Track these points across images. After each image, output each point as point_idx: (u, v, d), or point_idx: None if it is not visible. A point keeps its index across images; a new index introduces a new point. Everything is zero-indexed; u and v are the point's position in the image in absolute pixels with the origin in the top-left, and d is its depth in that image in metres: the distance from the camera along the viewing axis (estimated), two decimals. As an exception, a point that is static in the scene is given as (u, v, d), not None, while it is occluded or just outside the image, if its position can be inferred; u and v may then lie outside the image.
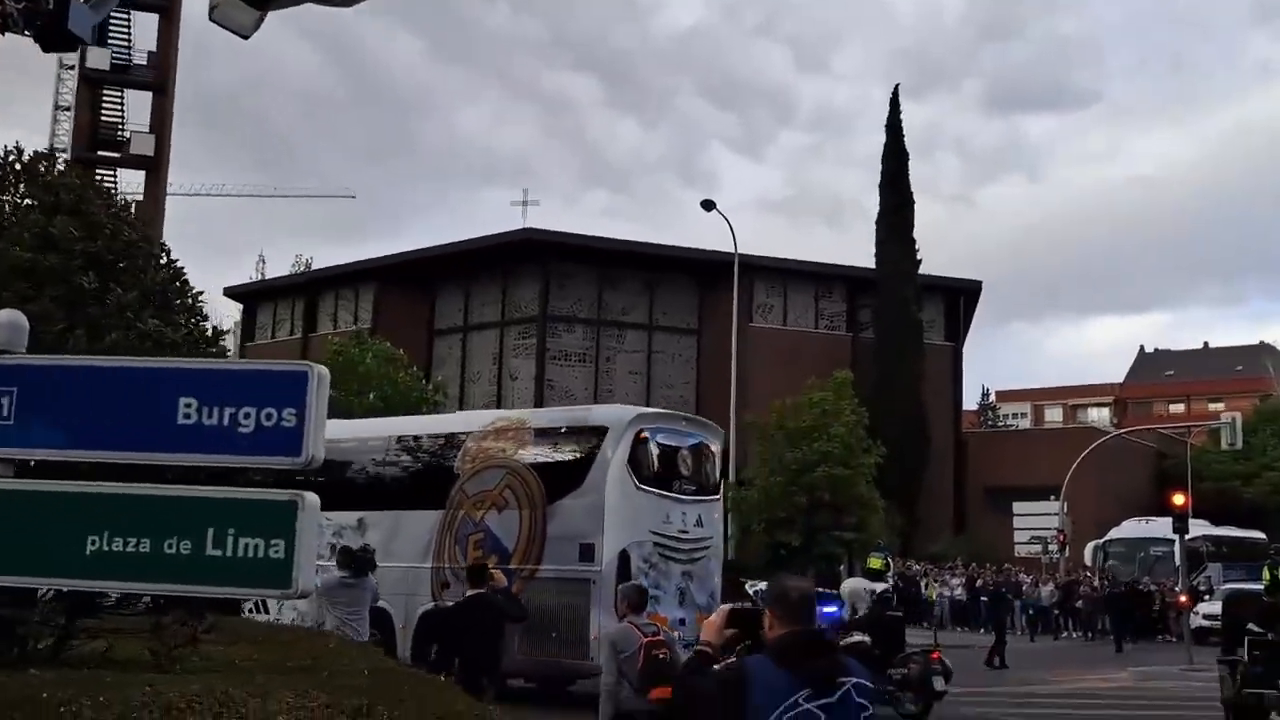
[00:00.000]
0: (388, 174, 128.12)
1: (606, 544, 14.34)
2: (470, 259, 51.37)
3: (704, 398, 51.42)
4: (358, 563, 12.53)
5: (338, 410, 37.32)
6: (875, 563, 19.65)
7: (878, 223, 52.11)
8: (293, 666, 7.05)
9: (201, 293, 7.82)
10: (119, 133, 47.86)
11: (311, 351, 50.96)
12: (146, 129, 47.29)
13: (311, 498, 5.08)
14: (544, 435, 15.85)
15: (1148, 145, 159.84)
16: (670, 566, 14.88)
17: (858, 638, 14.92)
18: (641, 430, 15.25)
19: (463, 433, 16.57)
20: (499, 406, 52.58)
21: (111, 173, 47.84)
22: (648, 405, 52.14)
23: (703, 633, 4.25)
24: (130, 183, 48.98)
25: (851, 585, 25.95)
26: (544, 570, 14.71)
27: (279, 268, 76.17)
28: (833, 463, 32.27)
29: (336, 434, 17.03)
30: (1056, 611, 37.31)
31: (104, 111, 47.60)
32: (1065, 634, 36.50)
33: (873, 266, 51.57)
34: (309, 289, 57.85)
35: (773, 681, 3.70)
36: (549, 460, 15.44)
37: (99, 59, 45.85)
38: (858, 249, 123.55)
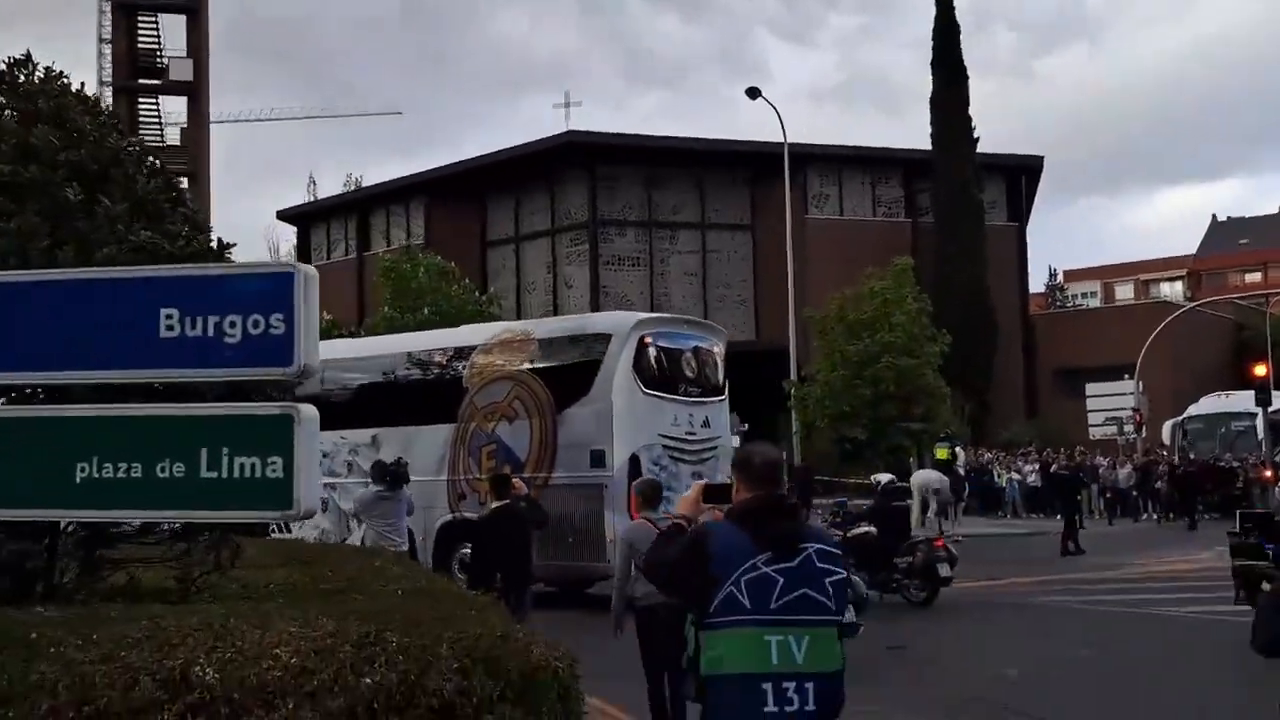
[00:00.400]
0: (434, 88, 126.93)
1: (616, 449, 14.64)
2: (516, 167, 50.62)
3: (761, 295, 50.66)
4: (393, 476, 12.62)
5: (396, 328, 37.21)
6: (942, 453, 19.32)
7: (932, 102, 50.37)
8: (327, 589, 6.71)
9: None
10: (158, 59, 47.55)
11: (366, 270, 50.86)
12: (184, 54, 46.92)
13: (308, 410, 4.62)
14: (549, 345, 15.99)
15: (1213, 4, 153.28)
16: (680, 468, 15.02)
17: (864, 529, 15.27)
18: (644, 335, 15.43)
19: (469, 346, 16.66)
20: (555, 314, 52.43)
21: (154, 101, 47.74)
22: (705, 306, 51.69)
23: (678, 507, 4.29)
24: (174, 112, 48.83)
25: (922, 477, 25.64)
26: (557, 478, 15.00)
27: (331, 189, 76.02)
28: (896, 353, 31.47)
29: (346, 353, 17.88)
30: (1135, 493, 36.52)
31: (140, 38, 47.22)
32: (1145, 516, 35.75)
33: (929, 149, 50.00)
34: (360, 207, 57.55)
35: (733, 543, 3.69)
36: (556, 369, 15.60)
37: (131, -15, 45.46)
38: (914, 133, 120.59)
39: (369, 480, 13.61)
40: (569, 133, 50.79)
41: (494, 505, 10.92)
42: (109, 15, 50.08)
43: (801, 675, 3.63)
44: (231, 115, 73.04)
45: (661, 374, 15.51)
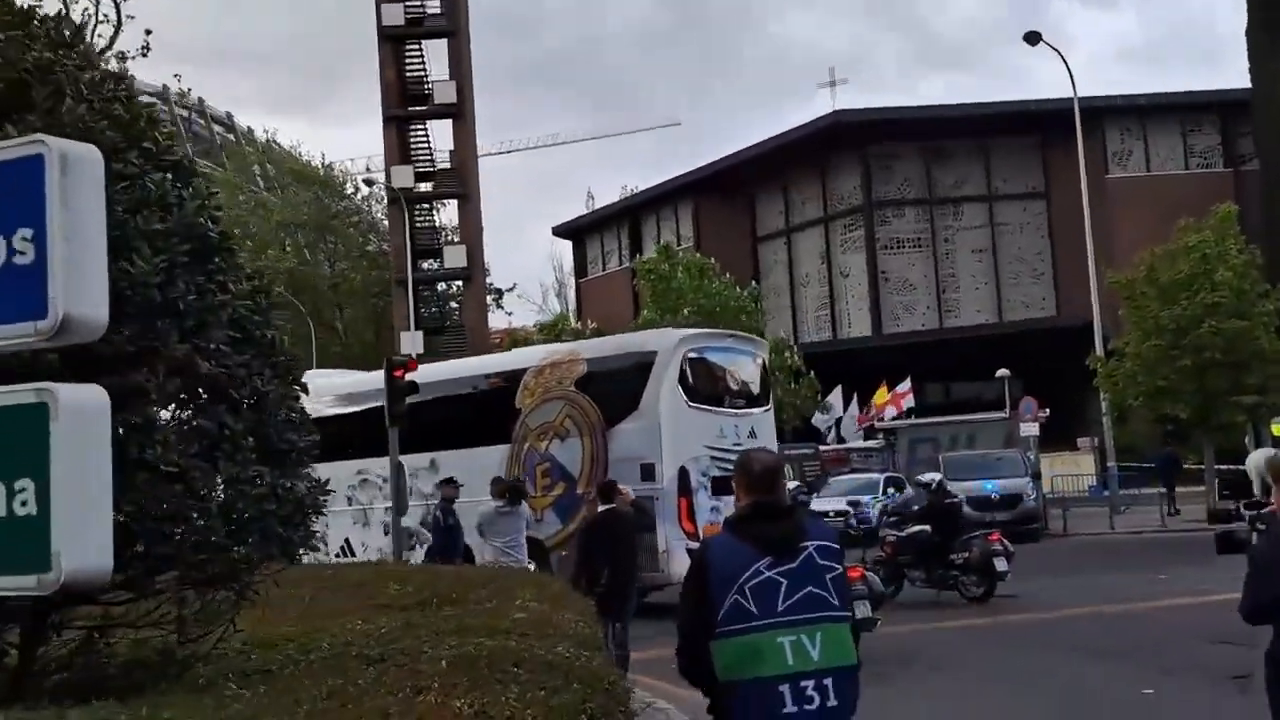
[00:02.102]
0: (712, 96, 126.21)
1: (665, 462, 15.07)
2: (783, 156, 48.29)
3: (1060, 266, 46.04)
4: (512, 492, 12.83)
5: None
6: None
7: (1248, 35, 44.10)
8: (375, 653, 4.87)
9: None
10: (425, 86, 48.48)
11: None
12: (448, 78, 47.65)
13: (84, 395, 2.72)
14: (597, 364, 16.60)
15: None
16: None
17: (916, 528, 15.51)
18: (688, 351, 16.08)
19: (521, 368, 17.30)
20: (831, 307, 49.72)
21: (423, 127, 48.75)
22: (997, 283, 47.61)
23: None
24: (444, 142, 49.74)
25: (1259, 458, 21.48)
26: None
27: (609, 203, 76.55)
28: (1222, 315, 26.97)
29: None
30: None
31: (408, 67, 48.31)
32: None
33: (1248, 87, 43.75)
34: (630, 215, 56.91)
35: (733, 553, 3.72)
36: (604, 388, 16.19)
37: (393, 15, 46.49)
38: (1229, 78, 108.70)
39: (430, 505, 14.69)
40: (836, 113, 47.98)
41: (601, 509, 10.96)
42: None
43: (820, 672, 3.65)
44: (518, 144, 74.95)
45: (706, 388, 16.14)
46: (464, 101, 47.73)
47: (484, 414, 17.20)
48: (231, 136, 73.59)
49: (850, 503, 25.77)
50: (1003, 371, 36.94)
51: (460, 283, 49.79)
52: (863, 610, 13.02)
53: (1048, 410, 32.01)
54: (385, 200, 49.16)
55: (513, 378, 17.24)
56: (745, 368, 16.99)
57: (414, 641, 4.84)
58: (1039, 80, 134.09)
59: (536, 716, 3.90)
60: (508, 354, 19.68)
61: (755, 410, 16.78)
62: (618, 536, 10.58)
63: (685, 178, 52.45)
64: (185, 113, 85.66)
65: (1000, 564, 14.94)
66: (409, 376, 15.57)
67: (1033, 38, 33.76)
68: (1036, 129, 45.65)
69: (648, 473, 15.06)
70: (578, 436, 15.98)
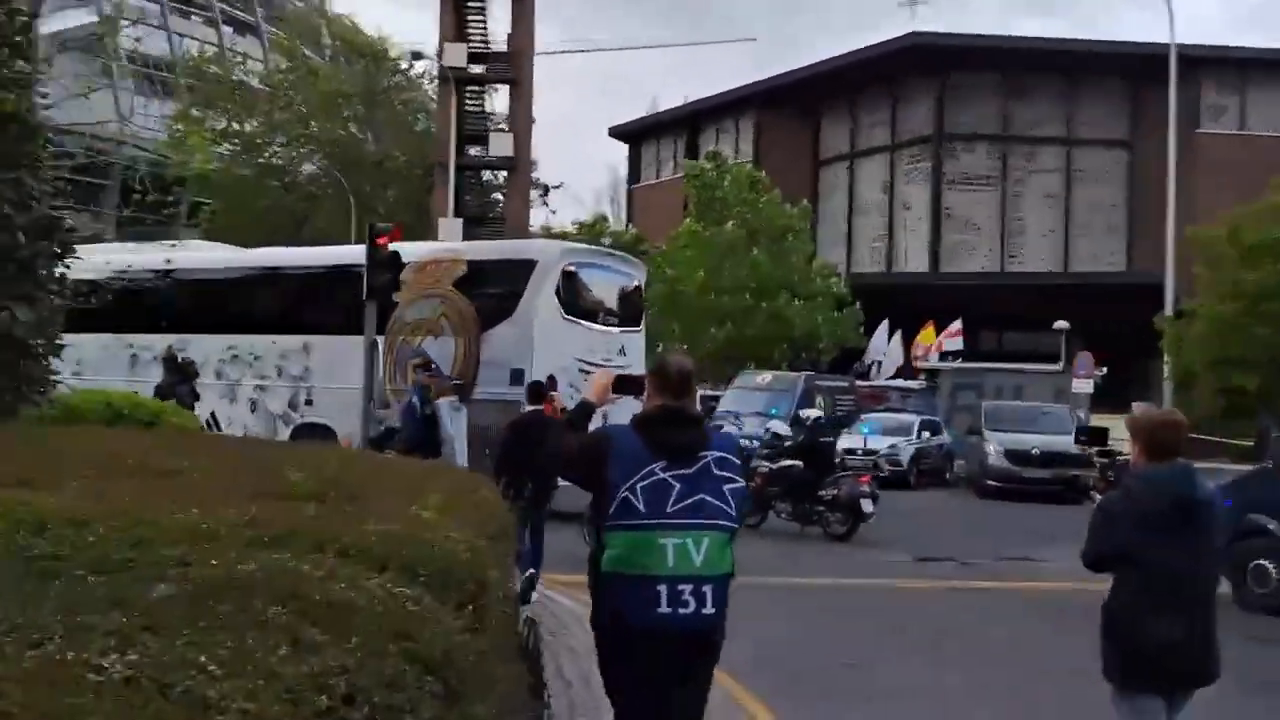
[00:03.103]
0: (795, 18, 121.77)
1: (535, 368, 15.10)
2: (854, 75, 45.80)
3: (1136, 220, 43.54)
4: (459, 389, 13.43)
5: (699, 243, 34.00)
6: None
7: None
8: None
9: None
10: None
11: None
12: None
13: None
14: (478, 267, 16.68)
15: None
16: None
17: (789, 462, 15.87)
18: (568, 264, 16.43)
19: (403, 262, 16.80)
20: (889, 239, 47.54)
21: (481, 5, 46.61)
22: (1066, 232, 45.18)
23: (588, 392, 4.32)
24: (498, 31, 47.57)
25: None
26: (478, 393, 15.68)
27: (672, 111, 73.89)
28: (1309, 285, 24.82)
29: (268, 260, 19.03)
30: None
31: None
32: None
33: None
34: (690, 123, 54.62)
35: (632, 449, 3.79)
36: (482, 290, 16.37)
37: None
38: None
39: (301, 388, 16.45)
40: (913, 34, 45.27)
41: (528, 409, 10.84)
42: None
43: (700, 578, 3.69)
44: (586, 44, 72.49)
45: (582, 302, 16.50)
46: (525, -12, 45.45)
47: (360, 302, 16.78)
48: (300, 3, 71.47)
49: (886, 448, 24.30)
50: (1061, 323, 34.86)
51: (505, 173, 48.00)
52: (867, 507, 15.07)
53: (1105, 369, 30.01)
54: (436, 80, 47.26)
55: None
56: (620, 286, 17.45)
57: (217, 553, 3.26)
58: (1131, 16, 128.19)
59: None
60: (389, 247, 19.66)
61: (628, 329, 17.30)
62: (542, 441, 9.44)
63: (750, 88, 50.04)
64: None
65: (866, 505, 15.30)
66: (393, 247, 14.13)
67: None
68: (1127, 74, 42.87)
69: (516, 377, 15.29)
70: (452, 335, 16.21)
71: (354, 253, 18.00)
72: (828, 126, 50.23)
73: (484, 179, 49.90)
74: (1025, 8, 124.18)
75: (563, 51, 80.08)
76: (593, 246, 20.28)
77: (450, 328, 16.26)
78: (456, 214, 42.92)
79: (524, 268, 16.24)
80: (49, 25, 67.13)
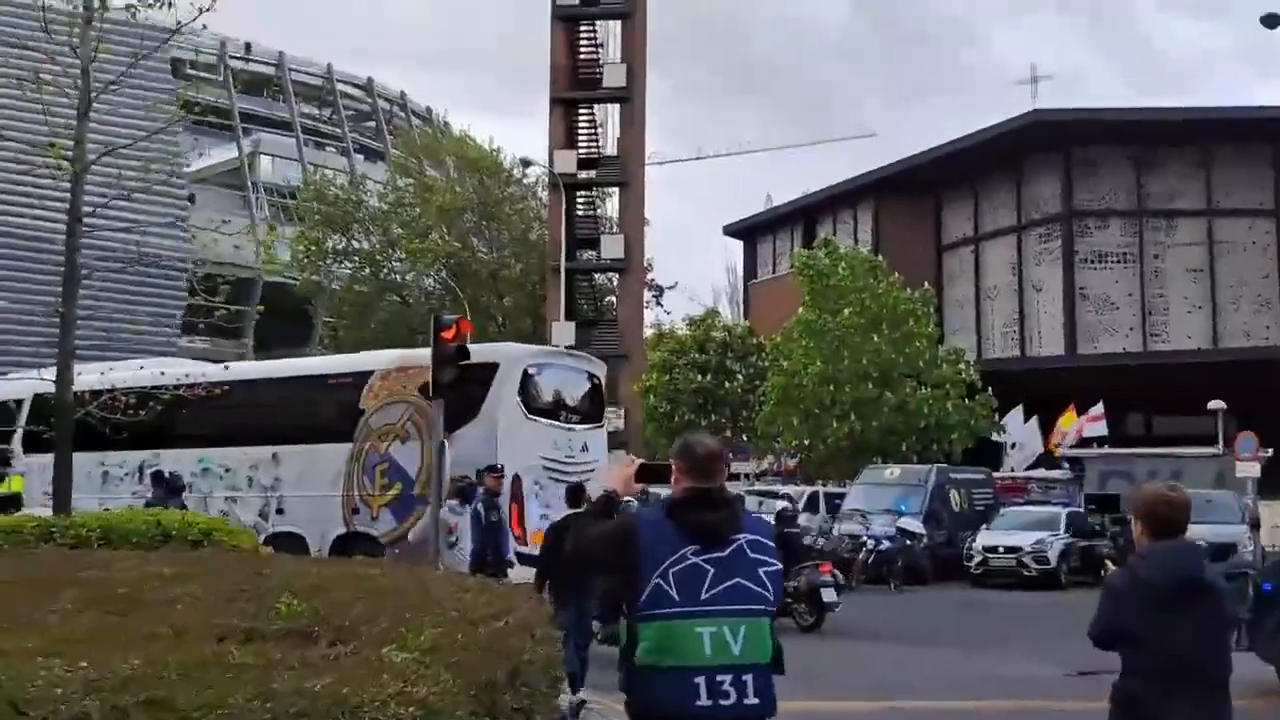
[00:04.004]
0: (915, 111, 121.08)
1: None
2: (974, 156, 44.22)
3: (1291, 292, 40.61)
4: (463, 493, 13.04)
5: (814, 332, 32.58)
6: None
7: None
8: None
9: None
10: (596, 70, 46.46)
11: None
12: (619, 60, 45.51)
13: None
14: None
15: None
16: (559, 488, 15.20)
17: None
18: (529, 365, 17.10)
19: (368, 370, 17.84)
20: (1020, 323, 45.35)
21: (590, 112, 46.75)
22: (1214, 306, 42.37)
23: (611, 481, 4.22)
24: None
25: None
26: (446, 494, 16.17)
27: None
28: None
29: (251, 373, 19.44)
30: None
31: (580, 47, 46.36)
32: None
33: None
34: (806, 215, 53.58)
35: (662, 534, 3.68)
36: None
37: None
38: None
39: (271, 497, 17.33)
40: (1035, 112, 43.59)
41: (568, 513, 10.40)
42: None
43: (739, 667, 3.58)
44: (712, 151, 72.60)
45: (544, 402, 17.04)
46: (633, 85, 45.46)
47: (328, 412, 17.72)
48: (428, 129, 73.42)
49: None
50: (1216, 403, 32.18)
51: (617, 276, 47.52)
52: (829, 596, 15.52)
53: (1270, 450, 27.35)
54: (547, 187, 47.37)
55: (360, 379, 17.86)
56: (581, 385, 17.95)
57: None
58: (1266, 94, 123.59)
59: None
60: (358, 355, 20.54)
61: (589, 426, 17.72)
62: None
63: (867, 176, 48.86)
64: (387, 104, 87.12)
65: (828, 595, 15.49)
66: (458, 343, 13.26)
67: (1271, 20, 29.10)
68: (1267, 139, 40.41)
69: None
70: (418, 439, 16.45)
71: (317, 364, 19.29)
72: (949, 210, 48.62)
73: (596, 282, 49.54)
74: (1151, 88, 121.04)
75: (675, 161, 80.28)
76: (551, 348, 21.18)
77: (416, 431, 16.60)
78: (569, 318, 42.42)
79: (487, 370, 16.35)
80: (194, 164, 70.45)
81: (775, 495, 28.41)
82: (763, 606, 3.63)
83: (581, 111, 46.69)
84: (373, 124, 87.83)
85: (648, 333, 45.99)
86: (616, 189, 46.61)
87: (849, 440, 31.87)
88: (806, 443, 33.55)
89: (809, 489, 30.71)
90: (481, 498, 12.49)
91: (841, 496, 28.71)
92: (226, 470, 18.07)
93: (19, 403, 19.83)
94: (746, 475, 36.11)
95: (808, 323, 32.16)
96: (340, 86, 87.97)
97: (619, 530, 3.80)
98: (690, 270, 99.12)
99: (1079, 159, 43.47)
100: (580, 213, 46.58)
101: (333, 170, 64.24)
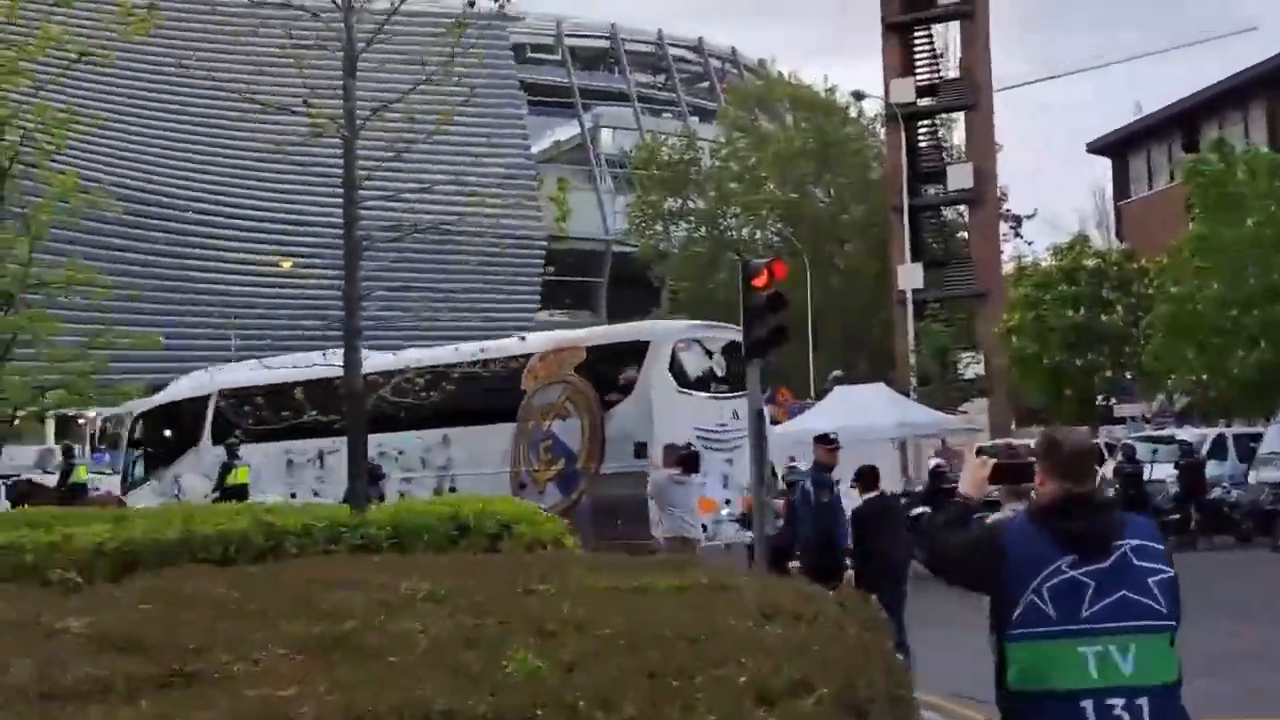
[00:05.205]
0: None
1: (656, 441, 15.96)
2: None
3: None
4: (686, 460, 13.03)
5: (1209, 249, 28.11)
6: None
7: None
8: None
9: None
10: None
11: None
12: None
13: None
14: (596, 352, 18.34)
15: None
16: (713, 456, 16.48)
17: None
18: (678, 341, 18.19)
19: (528, 354, 19.04)
20: None
21: (927, 33, 43.34)
22: None
23: (962, 482, 3.84)
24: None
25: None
26: (606, 467, 17.30)
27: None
28: None
29: (412, 360, 20.45)
30: None
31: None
32: None
33: None
34: (1184, 123, 47.33)
35: (1032, 545, 3.36)
36: (602, 373, 17.96)
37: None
38: None
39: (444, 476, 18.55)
40: None
41: (867, 497, 9.81)
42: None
43: (1133, 689, 3.25)
44: (1058, 68, 66.73)
45: (694, 375, 17.75)
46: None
47: (494, 394, 18.60)
48: (759, 79, 72.15)
49: None
50: None
51: (967, 209, 43.93)
52: None
53: None
54: (884, 120, 44.45)
55: (520, 362, 18.95)
56: (730, 356, 17.84)
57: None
58: None
59: None
60: (517, 340, 21.45)
61: (739, 394, 17.70)
62: (889, 527, 9.86)
63: (1256, 69, 42.36)
64: (719, 63, 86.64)
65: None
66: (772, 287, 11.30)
67: None
68: None
69: (640, 450, 16.56)
70: (577, 417, 17.58)
71: (479, 349, 20.17)
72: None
73: (945, 218, 46.04)
74: None
75: (1024, 84, 73.85)
76: (698, 322, 21.85)
77: (575, 409, 17.66)
78: (915, 259, 39.51)
79: (639, 349, 17.76)
80: (538, 142, 72.63)
81: (1170, 440, 24.70)
82: (1156, 621, 3.29)
83: (917, 35, 43.33)
84: (706, 84, 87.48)
85: (1007, 268, 42.15)
86: (961, 115, 42.99)
87: (1259, 371, 27.35)
88: (1205, 378, 29.18)
89: (1212, 431, 26.65)
90: (810, 473, 10.49)
91: (1256, 438, 24.51)
92: (400, 453, 19.36)
93: (206, 398, 21.58)
94: (1133, 418, 32.03)
95: (1201, 238, 27.81)
96: (672, 50, 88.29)
97: (985, 540, 3.50)
98: (1049, 197, 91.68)
99: None
100: (922, 144, 43.33)
101: (666, 135, 64.05)
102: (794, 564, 9.58)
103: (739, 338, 19.29)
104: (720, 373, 18.25)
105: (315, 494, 18.20)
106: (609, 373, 17.99)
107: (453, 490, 17.96)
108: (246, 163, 62.55)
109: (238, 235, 63.23)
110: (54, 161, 12.28)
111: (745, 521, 16.02)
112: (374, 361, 21.59)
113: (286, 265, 51.92)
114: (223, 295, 58.80)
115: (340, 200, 9.61)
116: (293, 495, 17.94)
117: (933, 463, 17.22)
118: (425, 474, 19.19)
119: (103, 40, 12.31)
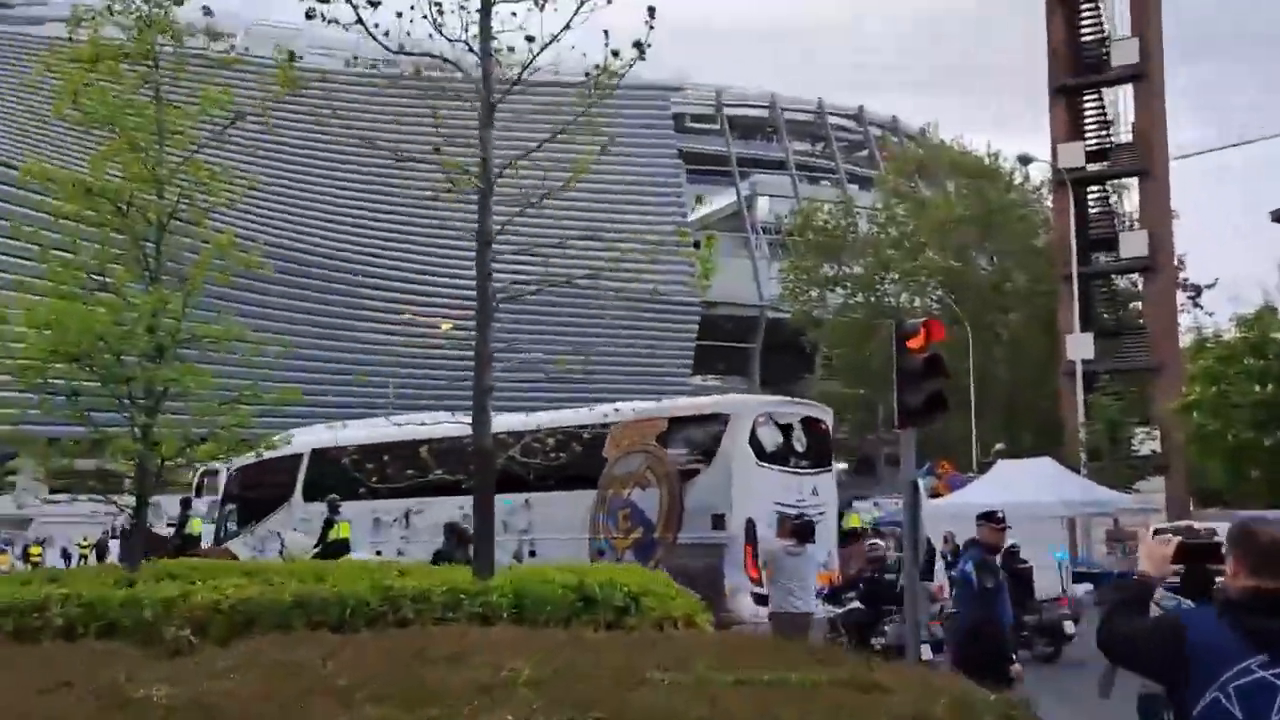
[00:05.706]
0: None
1: (734, 513, 16.70)
2: None
3: None
4: (800, 531, 12.79)
5: None
6: None
7: None
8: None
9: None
10: (1102, 50, 41.38)
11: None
12: (1129, 35, 40.15)
13: None
14: (678, 423, 18.52)
15: None
16: None
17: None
18: (759, 415, 17.93)
19: (609, 423, 18.92)
20: None
21: (1096, 96, 41.67)
22: None
23: (1142, 560, 3.68)
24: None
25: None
26: (683, 537, 17.30)
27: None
28: None
29: (502, 427, 20.50)
30: None
31: (1082, 26, 41.55)
32: None
33: None
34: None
35: (1218, 642, 3.22)
36: (682, 444, 18.15)
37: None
38: None
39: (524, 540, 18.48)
40: None
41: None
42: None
43: None
44: (1248, 133, 63.63)
45: (773, 449, 17.61)
46: (1148, 60, 39.90)
47: (576, 461, 18.56)
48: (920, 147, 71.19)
49: None
50: None
51: (1140, 276, 41.79)
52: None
53: None
54: (1051, 186, 42.81)
55: (603, 430, 18.96)
56: (809, 432, 18.25)
57: None
58: None
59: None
60: (596, 410, 21.26)
61: (819, 470, 18.28)
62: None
63: None
64: (879, 130, 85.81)
65: (1069, 628, 15.82)
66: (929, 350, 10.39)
67: None
68: None
69: (718, 522, 16.73)
70: (656, 486, 17.67)
71: (567, 417, 20.24)
72: None
73: (1117, 286, 43.91)
74: None
75: (1205, 152, 70.35)
76: (779, 398, 22.51)
77: (655, 478, 17.73)
78: (1085, 328, 37.62)
79: (719, 421, 17.76)
80: (697, 211, 72.89)
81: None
82: None
83: (1087, 99, 41.75)
84: (865, 152, 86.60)
85: (1184, 340, 39.79)
86: (1135, 180, 41.08)
87: None
88: None
89: None
90: (973, 555, 9.46)
91: None
92: (393, 520, 19.83)
93: (299, 456, 21.76)
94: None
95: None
96: (831, 119, 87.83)
97: (1166, 630, 3.32)
98: (1229, 265, 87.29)
99: None
100: (1093, 210, 41.52)
101: (823, 201, 63.48)
102: (939, 657, 8.69)
103: (823, 415, 19.43)
104: (800, 448, 18.24)
105: (400, 553, 18.37)
106: (690, 444, 18.19)
107: (532, 554, 18.39)
108: (399, 218, 64.48)
109: (393, 290, 64.99)
110: (211, 219, 12.46)
111: (833, 597, 15.68)
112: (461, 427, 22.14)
113: (446, 327, 53.01)
114: (382, 350, 60.37)
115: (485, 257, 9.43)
116: (378, 553, 18.05)
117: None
118: (506, 538, 19.11)
119: (257, 100, 12.48)
